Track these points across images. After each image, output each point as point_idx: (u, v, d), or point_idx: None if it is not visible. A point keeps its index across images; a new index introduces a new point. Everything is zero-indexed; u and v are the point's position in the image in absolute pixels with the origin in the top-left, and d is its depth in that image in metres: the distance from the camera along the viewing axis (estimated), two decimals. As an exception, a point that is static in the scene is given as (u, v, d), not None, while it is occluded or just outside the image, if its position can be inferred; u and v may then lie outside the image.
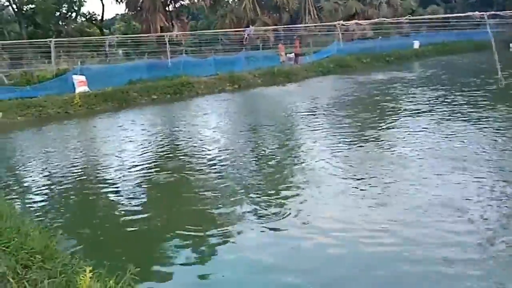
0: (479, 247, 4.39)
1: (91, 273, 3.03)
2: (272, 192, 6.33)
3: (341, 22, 21.93)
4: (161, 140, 10.70)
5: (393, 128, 10.18)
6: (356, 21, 23.40)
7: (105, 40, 21.41)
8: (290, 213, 5.52)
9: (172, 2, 29.67)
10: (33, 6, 25.59)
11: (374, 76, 21.62)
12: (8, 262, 3.28)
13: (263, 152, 8.81)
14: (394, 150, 8.03)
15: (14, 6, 25.33)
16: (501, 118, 10.03)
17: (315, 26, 25.56)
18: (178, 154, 9.19)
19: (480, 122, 9.81)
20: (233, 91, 20.10)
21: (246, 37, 18.20)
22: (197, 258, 4.70)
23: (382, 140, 8.88)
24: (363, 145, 8.66)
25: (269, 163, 7.87)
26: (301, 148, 8.84)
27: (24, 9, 25.69)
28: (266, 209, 5.73)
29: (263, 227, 5.23)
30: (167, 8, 29.57)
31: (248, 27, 24.55)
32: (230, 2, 39.63)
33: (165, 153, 9.40)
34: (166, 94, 18.72)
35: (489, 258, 4.18)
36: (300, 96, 17.21)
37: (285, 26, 26.50)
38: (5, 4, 26.32)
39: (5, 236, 3.83)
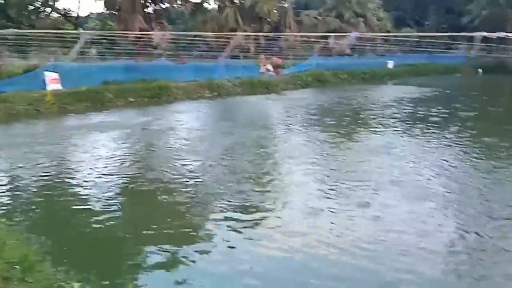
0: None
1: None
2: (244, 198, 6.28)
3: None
4: (134, 144, 10.44)
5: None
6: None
7: (79, 37, 20.47)
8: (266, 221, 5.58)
9: (152, 4, 29.06)
10: (4, -1, 24.59)
11: (348, 92, 22.08)
12: (-14, 275, 2.88)
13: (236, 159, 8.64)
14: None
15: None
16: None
17: (295, 38, 25.62)
18: (151, 158, 9.07)
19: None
20: (212, 98, 19.83)
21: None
22: (172, 265, 4.54)
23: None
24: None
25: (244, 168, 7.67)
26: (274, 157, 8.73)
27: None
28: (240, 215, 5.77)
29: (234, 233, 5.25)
30: (145, 10, 29.05)
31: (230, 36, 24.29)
32: (210, 9, 39.28)
33: (137, 157, 9.10)
34: (143, 97, 18.19)
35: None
36: (277, 107, 17.42)
37: (266, 35, 26.41)
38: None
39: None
